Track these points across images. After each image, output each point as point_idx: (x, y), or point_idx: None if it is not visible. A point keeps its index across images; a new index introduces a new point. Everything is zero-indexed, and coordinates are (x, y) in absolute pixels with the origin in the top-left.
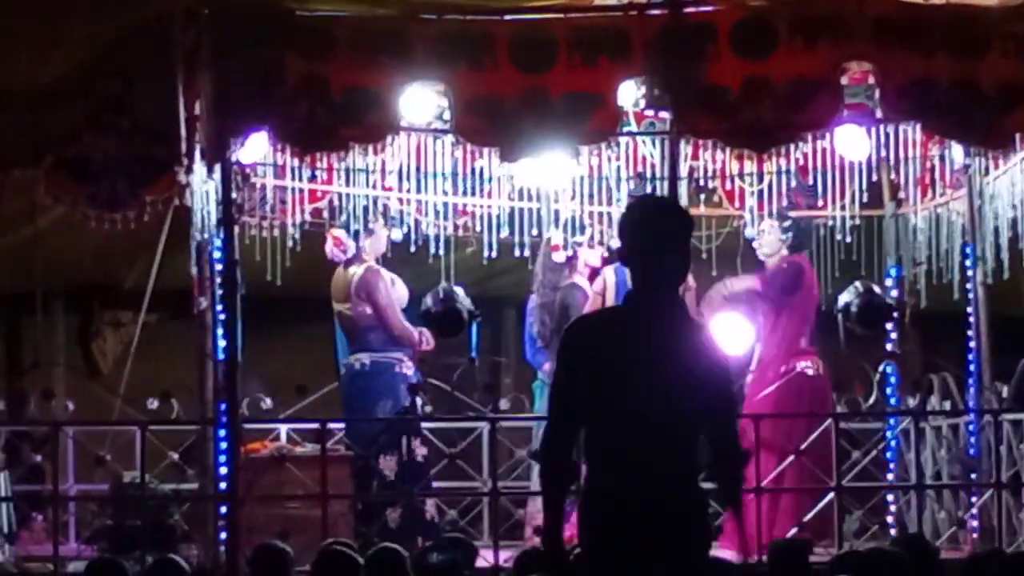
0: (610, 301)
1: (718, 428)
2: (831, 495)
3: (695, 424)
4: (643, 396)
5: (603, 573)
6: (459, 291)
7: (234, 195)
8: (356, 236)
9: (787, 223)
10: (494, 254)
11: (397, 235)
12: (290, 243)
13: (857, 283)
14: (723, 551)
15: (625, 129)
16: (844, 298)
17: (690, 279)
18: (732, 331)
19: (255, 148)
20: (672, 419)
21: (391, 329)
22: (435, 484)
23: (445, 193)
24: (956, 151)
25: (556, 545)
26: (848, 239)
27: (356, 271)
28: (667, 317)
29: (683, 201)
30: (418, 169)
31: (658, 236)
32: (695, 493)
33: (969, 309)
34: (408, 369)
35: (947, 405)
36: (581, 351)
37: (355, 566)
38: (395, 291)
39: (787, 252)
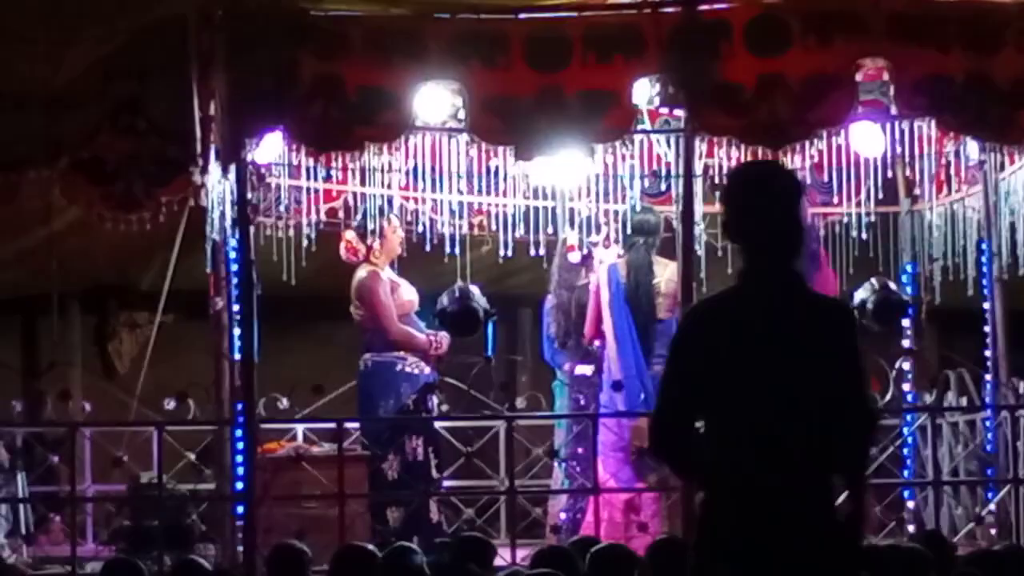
0: (604, 299)
1: (845, 401)
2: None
3: (828, 408)
4: (770, 384)
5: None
6: (475, 290)
7: (249, 195)
8: (372, 237)
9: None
10: (509, 253)
11: (401, 236)
12: (305, 243)
13: (873, 280)
14: None
15: (640, 127)
16: (860, 295)
17: (661, 286)
18: None
19: (270, 148)
20: (802, 406)
21: (387, 333)
22: (453, 483)
23: (460, 192)
24: (971, 147)
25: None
26: (863, 236)
27: (359, 274)
28: (787, 293)
29: (698, 199)
30: (433, 168)
31: (766, 204)
32: (830, 491)
33: (985, 305)
34: (415, 368)
35: (963, 401)
36: (697, 341)
37: (373, 563)
38: (399, 295)
39: None
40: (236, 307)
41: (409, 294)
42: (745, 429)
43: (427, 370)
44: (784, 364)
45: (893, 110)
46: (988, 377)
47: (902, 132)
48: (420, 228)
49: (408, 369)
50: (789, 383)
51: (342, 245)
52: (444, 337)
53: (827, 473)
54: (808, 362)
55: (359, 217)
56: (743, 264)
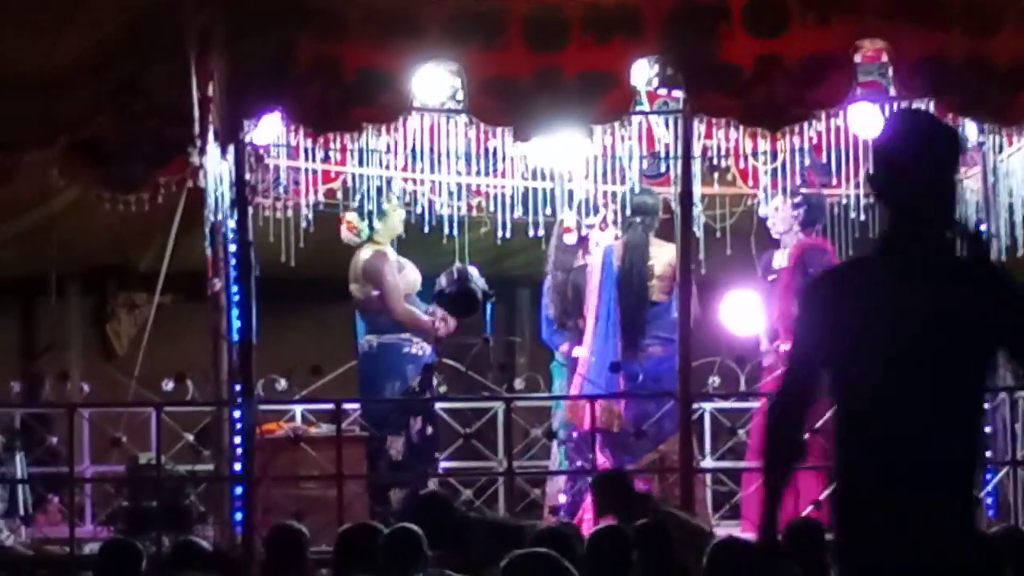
0: (594, 282)
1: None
2: None
3: (977, 391)
4: (908, 360)
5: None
6: (473, 271)
7: (248, 176)
8: (370, 217)
9: (798, 199)
10: (508, 234)
11: (402, 215)
12: (304, 224)
13: None
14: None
15: (638, 108)
16: None
17: (657, 268)
18: (743, 310)
19: (269, 129)
20: (947, 387)
21: (393, 314)
22: (451, 464)
23: (459, 173)
24: (970, 128)
25: (769, 533)
26: (862, 217)
27: (364, 255)
28: (933, 259)
29: (696, 180)
30: (431, 149)
31: (925, 159)
32: (969, 480)
33: None
34: (419, 350)
35: None
36: (826, 308)
37: (376, 540)
38: (404, 276)
39: (800, 228)
40: (234, 288)
41: (414, 274)
42: (875, 407)
43: (428, 351)
44: (922, 336)
45: (892, 91)
46: None
47: None
48: (418, 209)
49: (414, 351)
50: (926, 356)
51: (343, 225)
52: (448, 317)
53: (967, 451)
54: (951, 333)
55: (357, 199)
56: (884, 226)
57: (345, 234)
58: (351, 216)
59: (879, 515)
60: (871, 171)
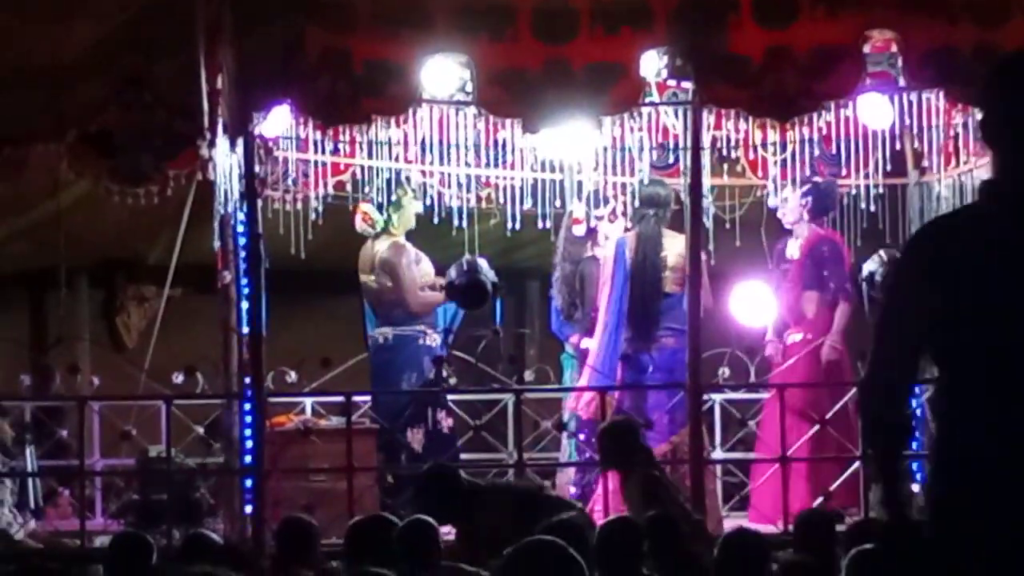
0: (606, 273)
1: None
2: (856, 464)
3: None
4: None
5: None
6: (483, 263)
7: (257, 168)
8: (381, 208)
9: (805, 187)
10: (517, 226)
11: (417, 207)
12: (313, 216)
13: (881, 252)
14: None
15: (647, 99)
16: (868, 267)
17: (670, 259)
18: (753, 301)
19: (277, 121)
20: None
21: (408, 307)
22: (461, 456)
23: (468, 165)
24: (979, 119)
25: (901, 514)
26: (872, 208)
27: (381, 246)
28: None
29: (705, 171)
30: (441, 141)
31: None
32: None
33: None
34: (433, 341)
35: None
36: (928, 265)
37: (391, 532)
38: (419, 268)
39: (810, 218)
40: (244, 281)
41: (428, 266)
42: (992, 369)
43: (439, 341)
44: None
45: (901, 82)
46: None
47: (910, 104)
48: (428, 201)
49: (428, 342)
50: None
51: (357, 216)
52: None
53: None
54: None
55: (367, 191)
56: (992, 174)
57: (360, 225)
58: (367, 207)
59: (996, 488)
60: (983, 116)
